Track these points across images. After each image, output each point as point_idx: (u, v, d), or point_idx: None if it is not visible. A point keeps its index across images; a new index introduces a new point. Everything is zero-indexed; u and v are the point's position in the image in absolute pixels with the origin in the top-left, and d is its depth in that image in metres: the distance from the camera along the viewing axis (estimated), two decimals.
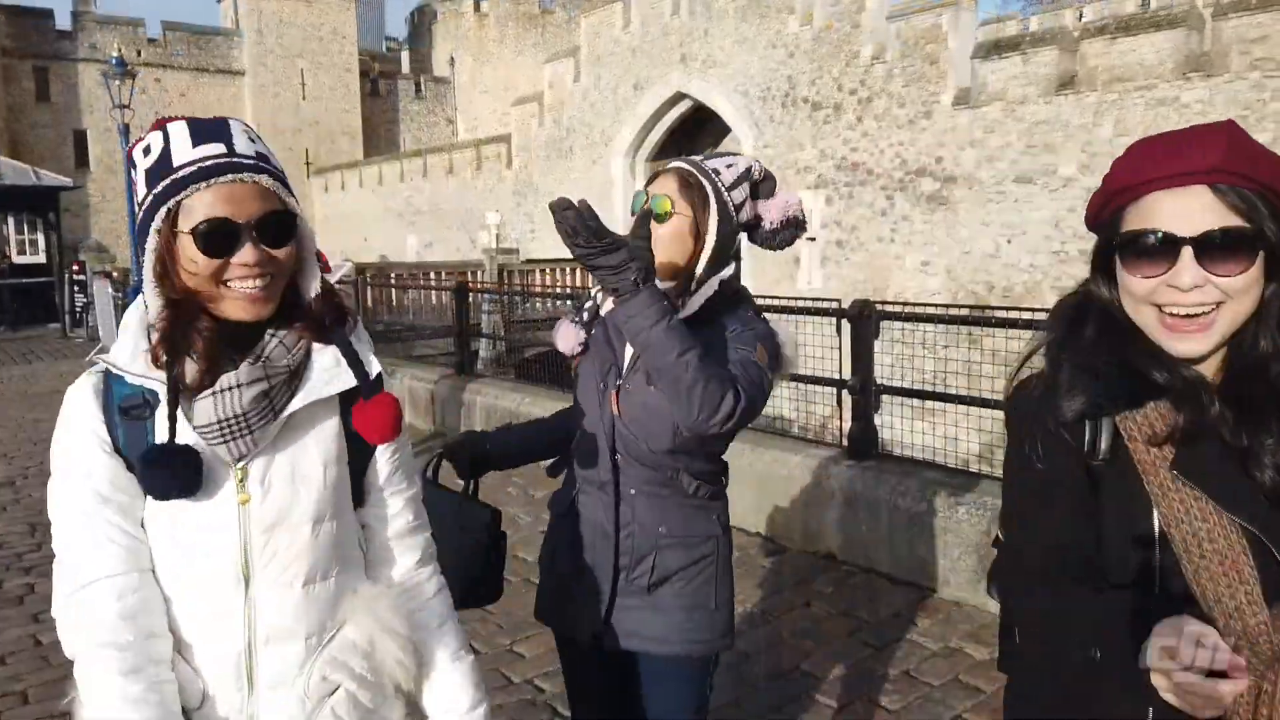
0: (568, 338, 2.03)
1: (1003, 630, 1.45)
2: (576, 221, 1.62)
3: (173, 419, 1.24)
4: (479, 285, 12.90)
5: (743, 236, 1.97)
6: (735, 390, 1.69)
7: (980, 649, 3.81)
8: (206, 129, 1.26)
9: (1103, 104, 16.46)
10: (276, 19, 42.90)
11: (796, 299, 7.13)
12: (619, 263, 1.65)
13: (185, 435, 1.25)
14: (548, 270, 17.22)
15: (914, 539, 4.49)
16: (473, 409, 7.94)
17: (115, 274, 17.83)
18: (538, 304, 13.58)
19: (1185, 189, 1.13)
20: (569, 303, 9.59)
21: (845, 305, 5.31)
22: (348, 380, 1.34)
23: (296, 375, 1.31)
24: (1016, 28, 22.88)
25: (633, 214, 1.91)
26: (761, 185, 1.92)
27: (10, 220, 22.35)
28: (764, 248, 1.98)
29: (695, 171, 1.86)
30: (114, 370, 1.28)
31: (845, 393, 5.13)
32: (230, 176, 1.23)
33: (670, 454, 1.86)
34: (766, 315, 1.97)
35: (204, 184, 1.22)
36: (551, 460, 2.18)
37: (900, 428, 5.54)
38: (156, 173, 1.24)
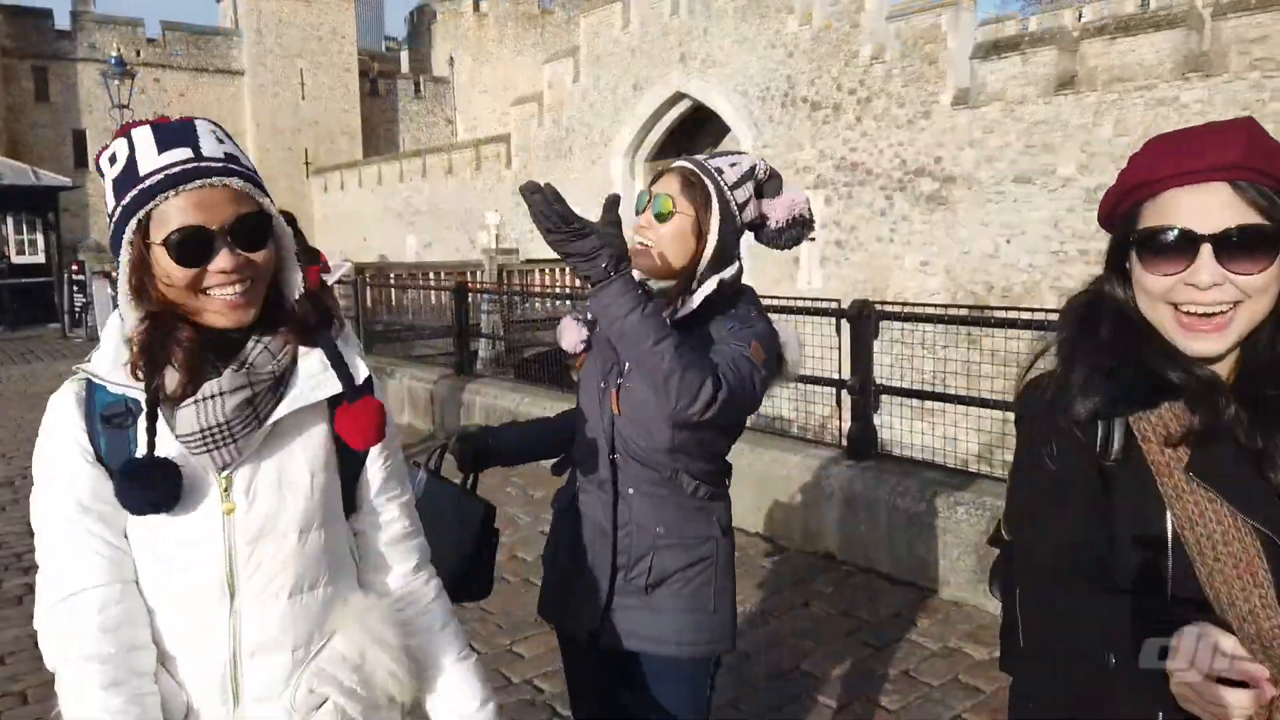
0: (571, 336, 2.03)
1: (1005, 629, 1.44)
2: (544, 206, 1.60)
3: (151, 433, 1.21)
4: (478, 285, 12.90)
5: (748, 236, 1.96)
6: (715, 378, 1.67)
7: (979, 649, 3.81)
8: (172, 133, 1.23)
9: (1102, 104, 16.47)
10: (276, 19, 42.90)
11: (796, 299, 7.13)
12: (590, 249, 1.63)
13: (168, 444, 1.23)
14: (547, 270, 17.20)
15: (913, 539, 4.49)
16: (472, 409, 7.94)
17: (114, 274, 17.73)
18: (537, 304, 13.57)
19: (1204, 186, 1.11)
20: (569, 303, 9.59)
21: (845, 305, 5.30)
22: (334, 386, 1.31)
23: (282, 381, 1.28)
24: (1016, 28, 22.91)
25: (636, 213, 1.91)
26: (767, 184, 1.91)
27: (9, 220, 22.33)
28: (770, 247, 1.97)
29: (698, 171, 1.86)
30: (95, 379, 1.25)
31: (844, 393, 5.13)
32: (199, 182, 1.19)
33: (670, 453, 1.85)
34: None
35: (172, 192, 1.19)
36: (556, 459, 2.17)
37: (899, 428, 5.54)
38: (124, 183, 1.21)
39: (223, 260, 1.20)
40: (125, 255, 1.21)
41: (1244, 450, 1.12)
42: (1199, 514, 1.12)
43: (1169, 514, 1.13)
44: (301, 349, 1.31)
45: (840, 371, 5.18)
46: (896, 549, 4.57)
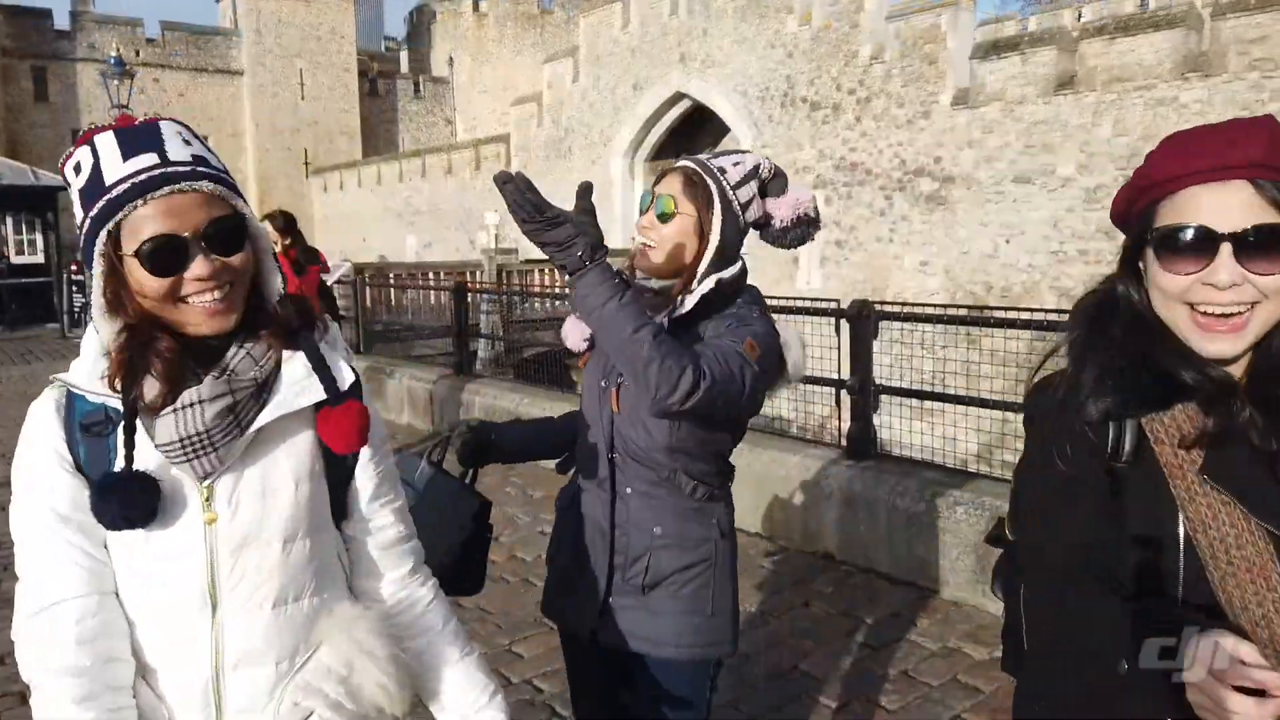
0: (575, 335, 2.02)
1: (1007, 630, 1.43)
2: (516, 195, 1.58)
3: (129, 446, 1.18)
4: (478, 285, 12.90)
5: (753, 235, 1.95)
6: (695, 367, 1.65)
7: (979, 649, 3.81)
8: (136, 138, 1.19)
9: (1101, 104, 16.48)
10: (275, 19, 42.92)
11: (795, 299, 7.14)
12: (565, 238, 1.61)
13: (147, 454, 1.20)
14: (546, 270, 17.19)
15: (913, 539, 4.49)
16: (471, 409, 7.94)
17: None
18: (536, 304, 13.57)
19: (1224, 184, 1.09)
20: (568, 303, 9.58)
21: (844, 305, 5.31)
22: (319, 393, 1.27)
23: (265, 387, 1.25)
24: (1015, 28, 22.93)
25: (640, 213, 1.91)
26: (771, 183, 1.90)
27: (9, 220, 22.30)
28: (776, 246, 1.96)
29: (700, 170, 1.85)
30: (73, 389, 1.23)
31: (844, 393, 5.13)
32: (168, 189, 1.16)
33: (669, 452, 1.85)
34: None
35: (141, 201, 1.15)
36: (560, 458, 2.17)
37: (899, 428, 5.54)
38: (90, 193, 1.18)
39: (198, 267, 1.17)
40: (99, 268, 1.18)
41: (1258, 453, 1.10)
42: (1212, 517, 1.10)
43: (1181, 516, 1.12)
44: (286, 353, 1.28)
45: (839, 371, 5.18)
46: (896, 549, 4.57)
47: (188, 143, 1.21)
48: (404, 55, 50.90)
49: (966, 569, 4.25)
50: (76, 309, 18.94)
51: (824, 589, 4.51)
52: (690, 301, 1.83)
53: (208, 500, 1.23)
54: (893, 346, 5.82)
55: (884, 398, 5.09)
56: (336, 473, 1.35)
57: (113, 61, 18.28)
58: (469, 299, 9.23)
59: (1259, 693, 0.93)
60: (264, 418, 1.24)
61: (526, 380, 9.01)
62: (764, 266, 19.67)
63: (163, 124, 1.22)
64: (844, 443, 5.14)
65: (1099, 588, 1.15)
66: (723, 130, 24.42)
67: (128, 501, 1.17)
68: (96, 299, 1.20)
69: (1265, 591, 1.07)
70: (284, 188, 41.77)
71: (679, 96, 25.40)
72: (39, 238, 22.21)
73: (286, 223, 5.80)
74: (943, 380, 6.12)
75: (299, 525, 1.29)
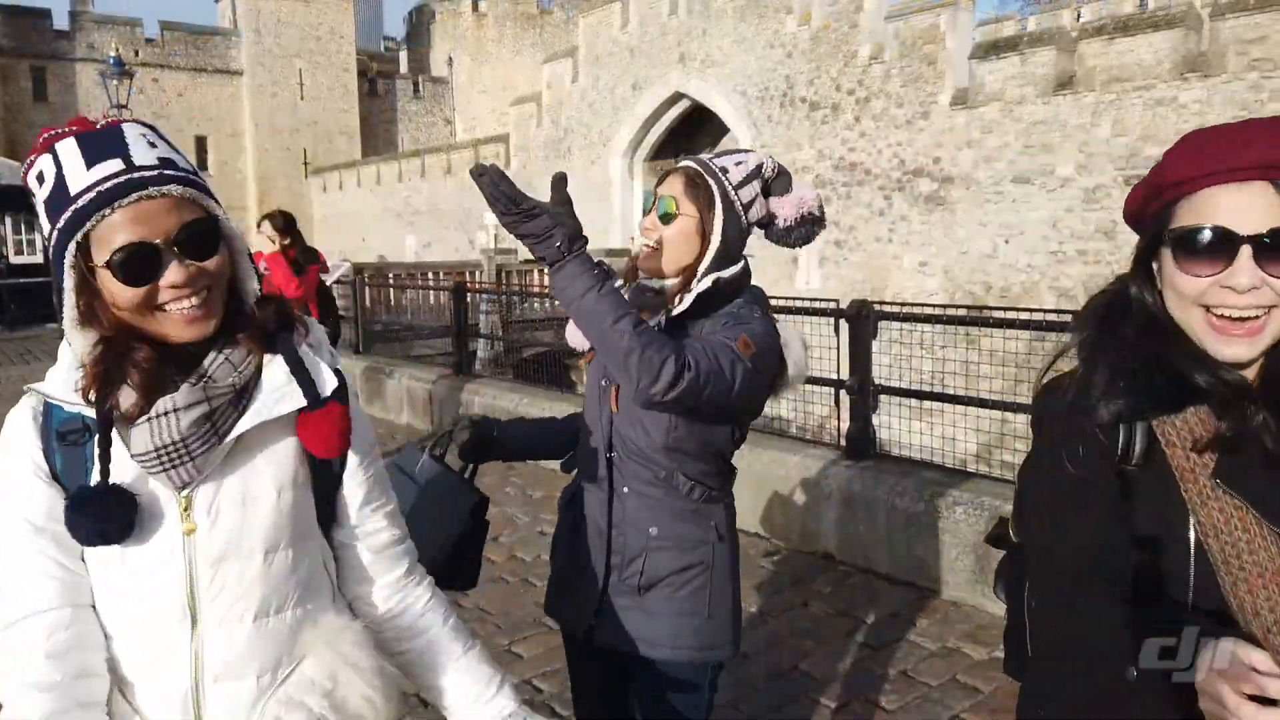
0: (578, 334, 2.02)
1: (1010, 632, 1.42)
2: (491, 188, 1.57)
3: (105, 459, 1.15)
4: (477, 285, 12.90)
5: (758, 234, 1.94)
6: (678, 358, 1.63)
7: (978, 649, 3.81)
8: (99, 144, 1.14)
9: (1100, 104, 16.49)
10: (274, 19, 42.92)
11: (795, 299, 7.14)
12: (542, 230, 1.61)
13: (124, 464, 1.17)
14: (545, 270, 17.18)
15: (912, 539, 4.49)
16: (470, 409, 7.94)
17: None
18: (535, 304, 13.58)
19: (1244, 185, 1.07)
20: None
21: (843, 305, 5.31)
22: (299, 399, 1.23)
23: (244, 394, 1.21)
24: (1014, 28, 22.95)
25: (643, 214, 1.91)
26: (775, 182, 1.89)
27: (8, 220, 22.29)
28: (781, 245, 1.95)
29: (702, 171, 1.85)
30: (49, 400, 1.20)
31: (843, 393, 5.13)
32: (135, 195, 1.12)
33: (666, 451, 1.85)
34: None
35: (108, 209, 1.11)
36: (565, 456, 2.16)
37: (898, 428, 5.54)
38: (56, 204, 1.14)
39: (173, 274, 1.13)
40: (69, 281, 1.15)
41: (1271, 457, 1.08)
42: (1224, 521, 1.08)
43: (1192, 521, 1.10)
44: (266, 357, 1.24)
45: (839, 371, 5.18)
46: (895, 549, 4.57)
47: (153, 145, 1.17)
48: (403, 55, 50.93)
49: (965, 569, 4.26)
50: None
51: (823, 589, 4.51)
52: (687, 300, 1.83)
53: (186, 510, 1.20)
54: (892, 346, 5.82)
55: (883, 398, 5.10)
56: (324, 479, 1.32)
57: (112, 61, 18.30)
58: (468, 299, 9.23)
59: (1273, 702, 0.91)
60: (243, 425, 1.20)
61: (526, 380, 9.01)
62: (763, 266, 19.61)
63: (125, 126, 1.18)
64: (843, 443, 5.13)
65: (1108, 591, 1.14)
66: (722, 130, 24.43)
67: (103, 515, 1.14)
68: (68, 312, 1.17)
69: (1277, 598, 1.05)
70: (283, 188, 41.77)
71: (678, 96, 25.40)
72: (39, 238, 22.20)
73: (286, 222, 5.80)
74: (942, 380, 6.13)
75: (281, 535, 1.25)
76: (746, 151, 1.93)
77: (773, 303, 2.10)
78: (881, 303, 7.43)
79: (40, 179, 1.16)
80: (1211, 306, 1.10)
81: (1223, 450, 1.10)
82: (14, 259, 21.99)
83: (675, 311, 1.83)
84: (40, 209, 1.17)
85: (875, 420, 5.05)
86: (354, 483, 1.35)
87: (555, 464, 2.21)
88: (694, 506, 1.89)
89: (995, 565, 1.57)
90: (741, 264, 1.90)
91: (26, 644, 1.16)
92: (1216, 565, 1.08)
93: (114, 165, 1.13)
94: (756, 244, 1.99)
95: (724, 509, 1.96)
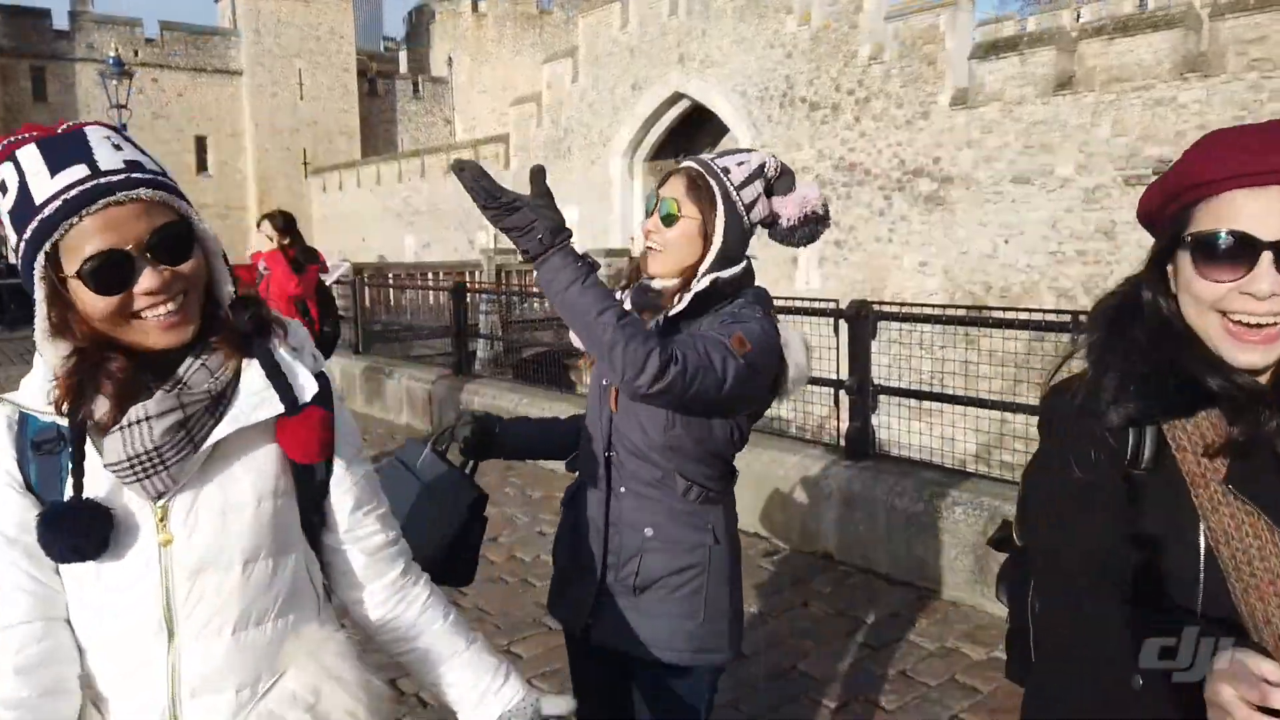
0: None
1: (1012, 634, 1.42)
2: (470, 183, 1.57)
3: (78, 474, 1.13)
4: (477, 285, 12.91)
5: (761, 233, 1.94)
6: (664, 350, 1.63)
7: (977, 649, 3.81)
8: (62, 150, 1.10)
9: (1100, 104, 16.48)
10: (274, 19, 42.90)
11: (794, 299, 7.14)
12: (524, 224, 1.60)
13: (99, 475, 1.14)
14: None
15: (911, 539, 4.49)
16: (470, 409, 7.94)
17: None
18: (535, 304, 13.57)
19: (1265, 189, 1.05)
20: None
21: (843, 305, 5.31)
22: (278, 405, 1.20)
23: (221, 400, 1.18)
24: (1014, 28, 22.95)
25: (646, 216, 1.91)
26: (778, 181, 1.89)
27: None
28: (784, 244, 1.94)
29: (703, 172, 1.85)
30: (23, 410, 1.18)
31: (842, 393, 5.13)
32: (102, 202, 1.08)
33: (664, 450, 1.85)
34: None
35: (76, 218, 1.08)
36: (569, 458, 2.16)
37: (897, 428, 5.55)
38: (21, 215, 1.10)
39: (147, 280, 1.10)
40: (39, 292, 1.12)
41: None
42: (1235, 528, 1.07)
43: (1203, 527, 1.09)
44: (245, 362, 1.21)
45: (838, 372, 5.18)
46: (894, 549, 4.58)
47: (118, 147, 1.13)
48: (403, 55, 50.91)
49: (965, 569, 4.26)
50: None
51: (823, 589, 4.51)
52: (685, 299, 1.83)
53: (162, 521, 1.16)
54: (891, 347, 5.82)
55: (882, 398, 5.10)
56: (308, 486, 1.29)
57: (111, 61, 18.30)
58: (468, 299, 9.23)
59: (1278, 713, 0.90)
60: (219, 432, 1.17)
61: (525, 380, 9.02)
62: (763, 266, 19.28)
63: (88, 130, 1.14)
64: (843, 443, 5.14)
65: (1114, 595, 1.13)
66: (722, 130, 24.43)
67: (76, 531, 1.11)
68: (40, 324, 1.14)
69: None
70: (283, 188, 41.75)
71: (678, 96, 25.39)
72: None
73: (285, 222, 5.82)
74: (941, 380, 6.13)
75: (261, 544, 1.22)
76: (749, 151, 1.93)
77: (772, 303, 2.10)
78: (881, 303, 7.45)
79: (3, 188, 1.12)
80: (1229, 312, 1.08)
81: (1234, 455, 1.08)
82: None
83: (673, 311, 1.83)
84: (5, 219, 1.13)
85: (875, 420, 5.05)
86: (342, 489, 1.33)
87: (555, 464, 2.22)
88: (691, 508, 1.89)
89: (995, 566, 1.56)
90: (743, 264, 1.89)
91: None
92: (1227, 571, 1.07)
93: (79, 171, 1.09)
94: (756, 244, 1.98)
95: (723, 512, 1.95)
